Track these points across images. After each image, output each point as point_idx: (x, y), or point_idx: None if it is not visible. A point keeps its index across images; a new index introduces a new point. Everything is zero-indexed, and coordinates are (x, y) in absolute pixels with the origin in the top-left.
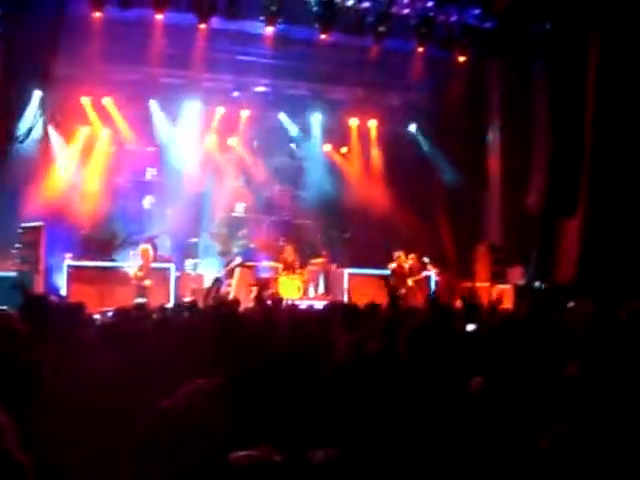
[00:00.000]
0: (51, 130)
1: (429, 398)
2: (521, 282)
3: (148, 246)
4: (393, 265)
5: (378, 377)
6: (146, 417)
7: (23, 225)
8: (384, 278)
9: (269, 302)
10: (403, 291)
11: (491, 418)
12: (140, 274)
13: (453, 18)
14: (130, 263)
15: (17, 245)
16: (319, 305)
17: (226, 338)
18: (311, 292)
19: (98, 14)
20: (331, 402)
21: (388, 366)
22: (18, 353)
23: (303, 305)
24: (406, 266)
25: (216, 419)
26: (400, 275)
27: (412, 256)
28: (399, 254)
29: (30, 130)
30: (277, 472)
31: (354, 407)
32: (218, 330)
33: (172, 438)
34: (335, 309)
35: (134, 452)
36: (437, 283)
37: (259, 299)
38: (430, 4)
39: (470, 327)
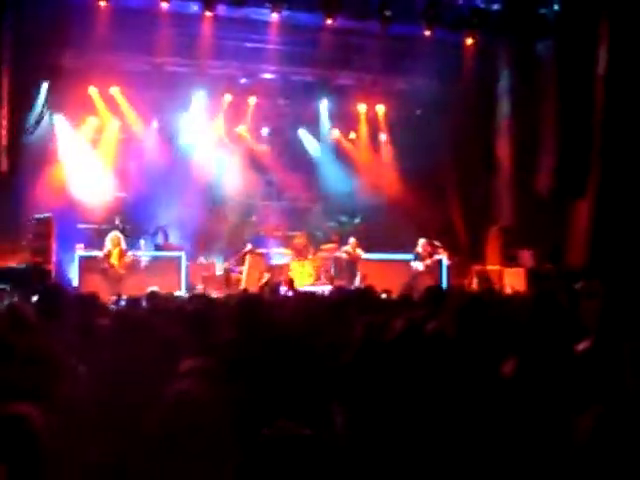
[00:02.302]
0: (59, 121)
1: (470, 377)
2: (532, 265)
3: (117, 233)
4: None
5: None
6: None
7: (34, 216)
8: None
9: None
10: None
11: (525, 400)
12: (115, 262)
13: (460, 0)
14: (141, 252)
15: (28, 236)
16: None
17: (245, 324)
18: (322, 278)
19: (104, 3)
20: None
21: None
22: (31, 343)
23: (315, 291)
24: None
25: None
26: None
27: (422, 241)
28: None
29: (38, 122)
30: (309, 444)
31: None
32: (238, 316)
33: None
34: (349, 294)
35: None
36: (448, 267)
37: (270, 286)
38: None
39: None
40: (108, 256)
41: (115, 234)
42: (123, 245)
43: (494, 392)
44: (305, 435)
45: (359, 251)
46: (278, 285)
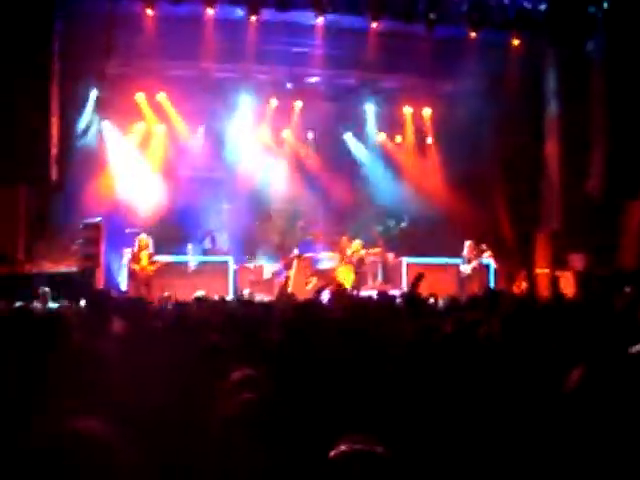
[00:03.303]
0: (107, 128)
1: (520, 384)
2: (583, 268)
3: (145, 236)
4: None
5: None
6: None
7: (83, 222)
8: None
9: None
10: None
11: (590, 411)
12: (144, 265)
13: (506, 1)
14: (189, 257)
15: (78, 241)
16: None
17: (294, 330)
18: (369, 282)
19: (150, 11)
20: (402, 390)
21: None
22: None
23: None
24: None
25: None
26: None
27: (468, 243)
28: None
29: (87, 128)
30: (383, 466)
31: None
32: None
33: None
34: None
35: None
36: (496, 270)
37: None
38: None
39: None
40: (135, 258)
41: (143, 237)
42: (151, 248)
43: (551, 402)
44: (381, 454)
45: (361, 251)
46: (327, 289)
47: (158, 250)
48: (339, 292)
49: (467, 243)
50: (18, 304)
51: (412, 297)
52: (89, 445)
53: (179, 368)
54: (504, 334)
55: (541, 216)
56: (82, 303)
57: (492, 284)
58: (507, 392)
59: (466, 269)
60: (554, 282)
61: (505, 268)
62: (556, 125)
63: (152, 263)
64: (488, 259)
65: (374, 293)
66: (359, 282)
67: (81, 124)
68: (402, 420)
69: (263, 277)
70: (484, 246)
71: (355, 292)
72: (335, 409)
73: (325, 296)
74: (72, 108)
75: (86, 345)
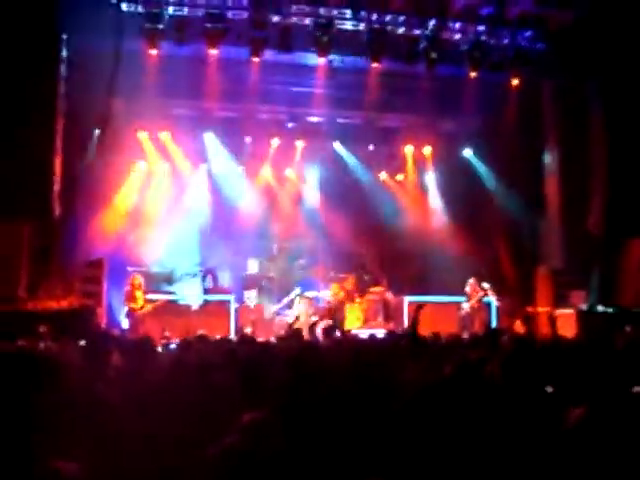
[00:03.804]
0: (110, 165)
1: (523, 425)
2: (584, 306)
3: (139, 276)
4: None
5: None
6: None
7: (86, 260)
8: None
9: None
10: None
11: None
12: (140, 304)
13: (505, 41)
14: (189, 293)
15: (80, 279)
16: (380, 334)
17: (298, 369)
18: (370, 320)
19: (154, 51)
20: (408, 432)
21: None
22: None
23: (364, 334)
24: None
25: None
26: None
27: (470, 281)
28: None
29: (90, 166)
30: None
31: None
32: (292, 362)
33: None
34: (399, 339)
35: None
36: (498, 308)
37: (327, 332)
38: (481, 28)
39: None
40: (131, 297)
41: (136, 276)
42: (143, 287)
43: (552, 442)
44: None
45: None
46: (320, 325)
47: (158, 289)
48: (330, 329)
49: (470, 281)
50: (20, 343)
51: (414, 334)
52: None
53: (182, 409)
54: (504, 374)
55: (542, 253)
56: (81, 343)
57: (494, 322)
58: (510, 431)
59: (466, 307)
60: (552, 322)
61: (506, 306)
62: (556, 162)
63: (147, 302)
64: (490, 297)
65: (376, 332)
66: (367, 319)
67: (84, 161)
68: (412, 461)
69: (264, 316)
70: (486, 284)
71: (347, 331)
72: (344, 451)
73: (319, 332)
74: (76, 145)
75: (83, 386)
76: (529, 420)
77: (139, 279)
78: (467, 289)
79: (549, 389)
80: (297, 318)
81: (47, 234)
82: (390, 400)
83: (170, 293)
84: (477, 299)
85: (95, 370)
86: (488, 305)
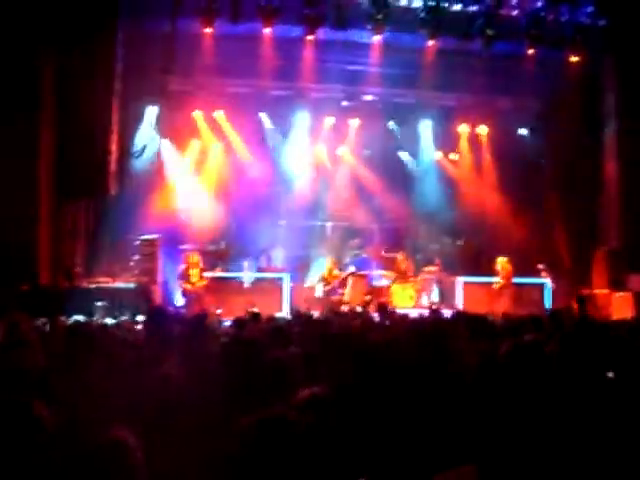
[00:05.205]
0: (165, 145)
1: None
2: None
3: (196, 254)
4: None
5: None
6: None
7: (141, 237)
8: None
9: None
10: None
11: None
12: (195, 282)
13: (564, 17)
14: (244, 273)
15: (136, 257)
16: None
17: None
18: (424, 300)
19: (209, 30)
20: (471, 413)
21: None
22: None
23: (415, 314)
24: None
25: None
26: None
27: (501, 259)
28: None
29: (145, 146)
30: None
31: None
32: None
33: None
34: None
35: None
36: (553, 291)
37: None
38: (540, 4)
39: None
40: (185, 276)
41: (193, 254)
42: (201, 265)
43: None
44: None
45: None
46: (384, 306)
47: (213, 267)
48: (384, 307)
49: (499, 259)
50: (76, 319)
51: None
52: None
53: (239, 386)
54: (564, 354)
55: (599, 235)
56: (140, 318)
57: (549, 304)
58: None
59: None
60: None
61: (561, 288)
62: (615, 142)
63: (202, 279)
64: (545, 278)
65: (425, 312)
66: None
67: (139, 141)
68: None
69: (315, 295)
70: (541, 266)
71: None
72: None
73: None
74: (131, 125)
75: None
76: (589, 402)
77: (196, 257)
78: (497, 267)
79: (610, 374)
80: (350, 297)
81: (104, 212)
82: (455, 378)
83: (225, 271)
84: (507, 279)
85: (157, 345)
86: (542, 286)
